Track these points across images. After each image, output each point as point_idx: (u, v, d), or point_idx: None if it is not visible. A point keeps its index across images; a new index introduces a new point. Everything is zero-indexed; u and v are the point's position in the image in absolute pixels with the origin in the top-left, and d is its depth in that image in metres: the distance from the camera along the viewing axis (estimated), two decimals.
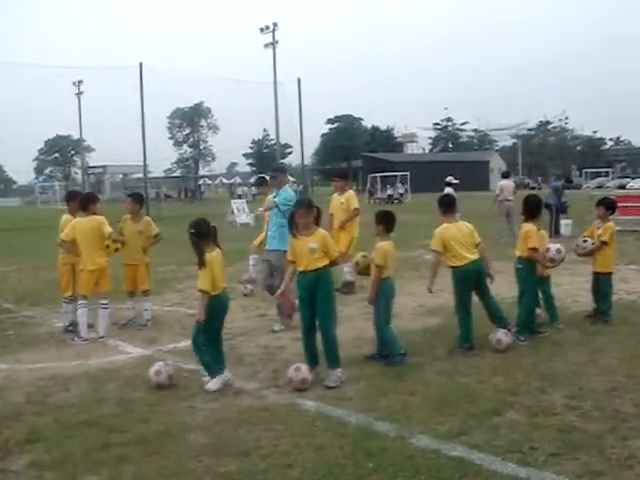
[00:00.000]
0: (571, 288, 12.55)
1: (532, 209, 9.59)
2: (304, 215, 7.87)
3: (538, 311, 9.74)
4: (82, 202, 10.65)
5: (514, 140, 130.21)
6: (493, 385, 7.41)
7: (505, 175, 25.51)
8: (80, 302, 10.31)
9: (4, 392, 7.87)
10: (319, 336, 7.93)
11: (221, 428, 6.45)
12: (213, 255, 7.64)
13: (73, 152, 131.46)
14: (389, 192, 63.30)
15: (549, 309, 9.98)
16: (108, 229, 10.45)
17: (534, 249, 9.23)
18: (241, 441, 6.10)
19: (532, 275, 9.41)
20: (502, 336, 8.78)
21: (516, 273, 9.57)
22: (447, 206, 9.21)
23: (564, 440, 5.87)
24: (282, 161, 77.50)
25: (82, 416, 6.90)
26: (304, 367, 7.71)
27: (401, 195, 63.54)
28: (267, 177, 13.84)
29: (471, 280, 8.95)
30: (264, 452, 5.83)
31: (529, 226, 9.40)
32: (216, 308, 7.67)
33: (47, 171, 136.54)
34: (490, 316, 9.18)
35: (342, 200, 13.97)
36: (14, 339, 10.64)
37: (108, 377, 8.27)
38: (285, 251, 8.55)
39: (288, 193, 11.05)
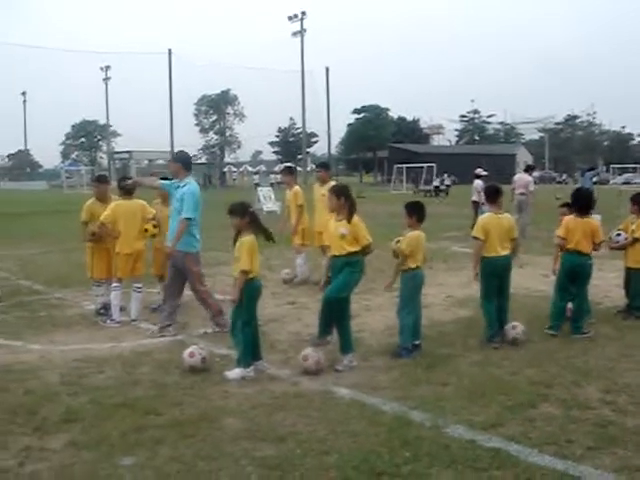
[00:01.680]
0: (602, 283, 12.45)
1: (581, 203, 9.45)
2: (333, 199, 7.93)
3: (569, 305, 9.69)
4: (127, 186, 10.70)
5: (541, 134, 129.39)
6: (527, 377, 7.39)
7: (526, 169, 24.84)
8: (114, 285, 10.38)
9: (38, 372, 7.94)
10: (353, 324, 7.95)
11: (256, 413, 6.47)
12: (251, 239, 7.70)
13: (99, 137, 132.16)
14: (435, 183, 60.66)
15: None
16: (152, 211, 10.67)
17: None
18: (277, 426, 6.13)
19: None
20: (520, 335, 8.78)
21: (588, 269, 9.35)
22: (491, 196, 9.20)
23: (600, 434, 5.85)
24: (308, 150, 77.66)
25: (117, 398, 6.95)
26: (310, 352, 7.78)
27: (448, 187, 60.21)
28: (293, 167, 14.11)
29: (497, 273, 8.92)
30: (300, 438, 5.85)
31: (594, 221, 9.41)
32: (255, 290, 7.76)
33: (73, 155, 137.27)
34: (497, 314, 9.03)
35: (323, 192, 12.60)
36: (46, 320, 10.72)
37: (141, 360, 8.32)
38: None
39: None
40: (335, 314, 8.06)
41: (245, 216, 7.78)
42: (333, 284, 8.01)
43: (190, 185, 9.72)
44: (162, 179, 11.46)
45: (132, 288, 10.42)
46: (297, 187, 13.96)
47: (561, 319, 9.28)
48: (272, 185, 62.07)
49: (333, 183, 13.12)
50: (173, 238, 9.51)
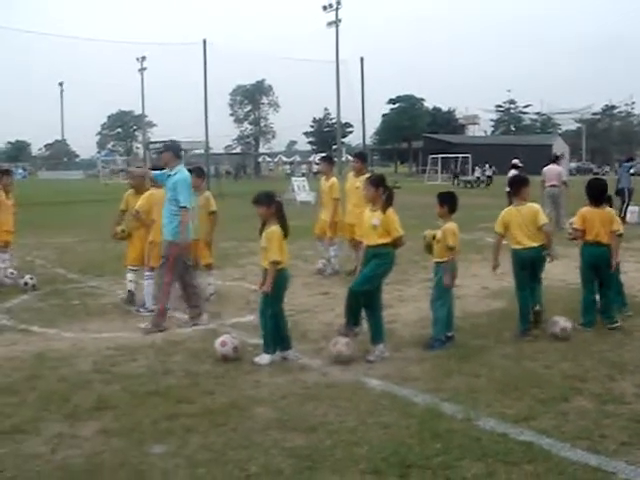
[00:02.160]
0: (638, 276, 12.29)
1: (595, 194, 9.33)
2: (370, 189, 7.92)
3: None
4: None
5: (578, 124, 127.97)
6: (560, 371, 7.30)
7: (554, 159, 24.20)
8: (147, 274, 10.44)
9: (71, 360, 8.01)
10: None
11: (287, 403, 6.47)
12: (279, 229, 7.71)
13: (135, 127, 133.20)
14: (477, 174, 59.68)
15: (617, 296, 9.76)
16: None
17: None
18: (307, 417, 6.12)
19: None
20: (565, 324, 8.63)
21: (609, 259, 9.14)
22: (514, 186, 9.19)
23: (635, 429, 5.75)
24: (343, 140, 77.53)
25: (150, 386, 6.98)
26: (340, 339, 7.89)
27: (489, 178, 58.42)
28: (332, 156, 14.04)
29: (525, 265, 8.83)
30: (330, 428, 5.83)
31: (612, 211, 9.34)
32: (284, 281, 7.82)
33: (109, 145, 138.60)
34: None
35: (358, 184, 12.46)
36: (80, 309, 10.82)
37: (174, 349, 8.36)
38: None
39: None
40: (362, 305, 8.08)
41: (271, 206, 7.79)
42: (359, 276, 8.04)
43: (181, 173, 9.68)
44: (153, 169, 11.50)
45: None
46: (334, 179, 13.86)
47: (592, 313, 9.13)
48: (304, 175, 61.89)
49: (367, 175, 13.12)
50: (172, 229, 9.48)
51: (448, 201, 8.46)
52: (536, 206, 9.00)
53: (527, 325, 8.69)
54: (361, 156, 14.20)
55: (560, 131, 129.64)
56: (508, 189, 24.94)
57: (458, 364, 7.53)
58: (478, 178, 57.64)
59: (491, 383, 6.92)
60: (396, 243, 7.99)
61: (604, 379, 7.02)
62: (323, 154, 19.97)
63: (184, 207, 9.45)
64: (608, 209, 9.30)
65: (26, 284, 12.22)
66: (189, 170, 11.66)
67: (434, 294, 8.49)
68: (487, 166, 61.73)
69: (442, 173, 68.37)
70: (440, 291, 8.40)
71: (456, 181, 60.26)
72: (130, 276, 11.13)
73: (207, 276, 11.39)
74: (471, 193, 40.93)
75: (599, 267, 9.13)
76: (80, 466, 5.26)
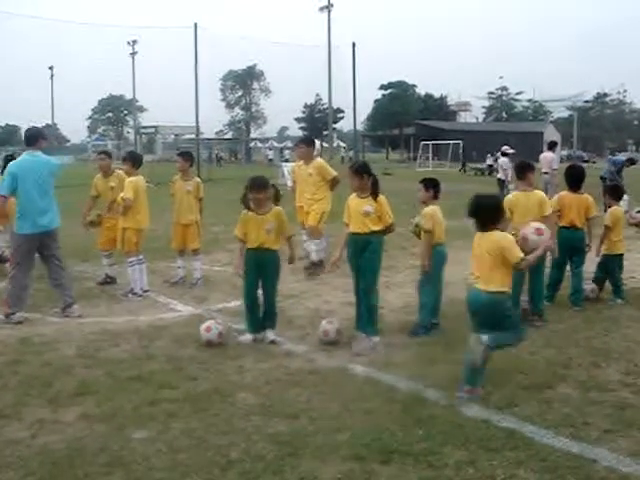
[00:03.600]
0: (628, 264, 12.26)
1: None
2: (354, 177, 7.86)
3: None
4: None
5: (570, 112, 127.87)
6: (545, 358, 7.29)
7: (549, 146, 24.26)
8: (130, 260, 10.40)
9: (55, 345, 7.96)
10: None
11: (270, 389, 6.45)
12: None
13: (126, 112, 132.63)
14: (489, 162, 53.29)
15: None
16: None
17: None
18: (290, 403, 6.10)
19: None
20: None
21: (582, 243, 9.62)
22: (520, 171, 9.22)
23: (619, 416, 5.75)
24: (334, 126, 77.37)
25: (132, 371, 6.95)
26: (335, 320, 8.13)
27: (490, 167, 52.75)
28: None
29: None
30: (313, 414, 5.81)
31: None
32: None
33: (100, 130, 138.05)
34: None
35: (310, 171, 12.35)
36: None
37: (158, 334, 8.32)
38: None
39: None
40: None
41: (269, 188, 8.02)
42: (365, 280, 7.89)
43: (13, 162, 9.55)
44: (180, 154, 11.50)
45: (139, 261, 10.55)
46: (320, 159, 13.72)
47: (555, 291, 9.64)
48: (287, 161, 61.51)
49: (320, 160, 12.70)
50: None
51: (432, 186, 8.48)
52: (542, 194, 9.08)
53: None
54: (306, 141, 13.33)
55: (552, 119, 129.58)
56: (499, 176, 25.06)
57: (443, 351, 7.51)
58: (490, 166, 52.08)
59: None
60: (388, 230, 7.97)
61: (589, 366, 7.03)
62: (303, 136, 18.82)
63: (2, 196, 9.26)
64: (585, 195, 9.57)
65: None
66: (178, 154, 11.75)
67: (422, 279, 8.47)
68: (499, 154, 58.91)
69: (433, 160, 68.23)
70: (427, 277, 8.38)
71: (464, 169, 57.96)
72: (105, 260, 11.36)
73: (193, 261, 11.35)
74: (482, 181, 40.68)
75: (572, 250, 9.44)
76: (61, 451, 5.23)
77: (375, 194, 7.83)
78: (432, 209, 8.34)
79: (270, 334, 8.01)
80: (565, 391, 6.35)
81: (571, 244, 9.39)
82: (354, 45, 63.71)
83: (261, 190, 7.90)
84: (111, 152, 12.91)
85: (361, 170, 7.94)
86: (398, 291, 10.44)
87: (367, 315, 7.87)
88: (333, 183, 12.40)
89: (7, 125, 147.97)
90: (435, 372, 6.85)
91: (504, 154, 24.16)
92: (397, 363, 7.17)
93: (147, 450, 5.22)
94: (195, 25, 49.34)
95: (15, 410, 6.02)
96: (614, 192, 10.40)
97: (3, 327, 8.73)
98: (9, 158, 12.72)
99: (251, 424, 5.65)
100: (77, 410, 6.02)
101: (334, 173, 12.43)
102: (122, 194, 10.40)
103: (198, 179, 11.81)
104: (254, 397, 6.25)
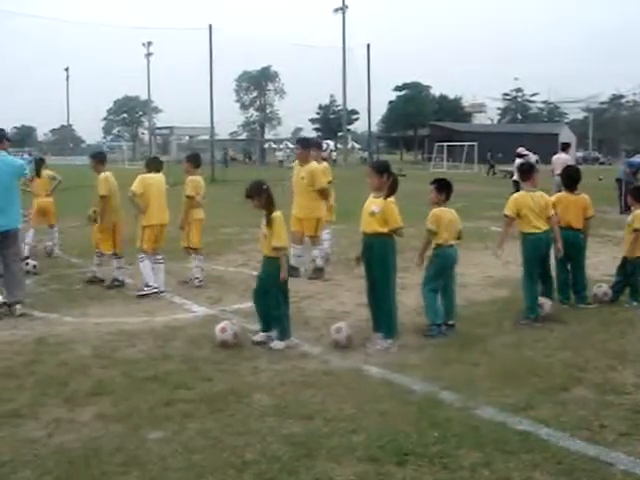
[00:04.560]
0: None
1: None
2: (374, 176, 7.82)
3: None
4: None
5: (585, 113, 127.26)
6: (561, 360, 7.27)
7: (563, 147, 23.96)
8: (141, 256, 10.64)
9: (71, 345, 8.00)
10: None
11: (285, 390, 6.46)
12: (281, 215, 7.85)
13: (141, 113, 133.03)
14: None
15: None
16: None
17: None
18: (305, 404, 6.10)
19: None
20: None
21: (581, 243, 9.76)
22: (524, 173, 9.33)
23: (635, 420, 5.73)
24: (349, 127, 77.41)
25: (148, 372, 6.98)
26: (344, 325, 7.90)
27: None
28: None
29: (541, 250, 8.94)
30: (328, 416, 5.81)
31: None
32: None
33: (115, 131, 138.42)
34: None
35: (303, 174, 11.94)
36: (81, 294, 10.82)
37: (173, 335, 8.35)
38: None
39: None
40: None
41: (262, 194, 7.87)
42: (378, 284, 7.86)
43: None
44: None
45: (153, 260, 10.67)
46: (325, 163, 13.68)
47: (567, 290, 9.68)
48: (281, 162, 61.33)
49: (315, 163, 12.11)
50: None
51: (446, 189, 8.48)
52: (546, 196, 9.08)
53: (535, 316, 8.71)
54: (302, 142, 12.95)
55: (567, 120, 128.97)
56: (515, 178, 24.94)
57: (458, 352, 7.50)
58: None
59: (490, 372, 6.89)
60: (395, 233, 7.81)
61: (605, 369, 7.00)
62: (302, 138, 17.86)
63: None
64: (582, 195, 9.77)
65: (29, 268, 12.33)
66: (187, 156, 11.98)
67: (423, 280, 8.49)
68: (531, 154, 56.90)
69: (448, 161, 68.08)
70: (428, 277, 8.44)
71: (492, 171, 54.55)
72: (96, 260, 11.69)
73: (193, 260, 11.50)
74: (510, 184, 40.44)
75: (572, 250, 9.48)
76: (77, 451, 5.25)
77: (388, 195, 7.78)
78: (440, 210, 8.36)
79: (273, 342, 7.90)
80: (581, 394, 6.32)
81: (570, 244, 9.37)
82: (369, 46, 63.78)
83: (248, 197, 7.91)
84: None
85: (381, 169, 7.88)
86: (413, 292, 10.40)
87: (381, 317, 7.86)
88: (322, 193, 11.99)
89: (23, 126, 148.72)
90: (450, 374, 6.84)
91: (519, 155, 24.02)
92: (412, 364, 7.16)
93: (163, 450, 5.24)
94: (210, 27, 49.40)
95: (32, 409, 6.05)
96: (638, 194, 10.32)
97: (20, 327, 8.78)
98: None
99: (266, 425, 5.66)
100: (93, 410, 6.05)
101: (323, 184, 11.95)
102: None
103: (193, 177, 11.67)
104: (269, 398, 6.26)
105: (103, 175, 11.29)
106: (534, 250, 8.89)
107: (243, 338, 7.97)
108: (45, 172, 14.90)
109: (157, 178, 11.13)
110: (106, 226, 11.34)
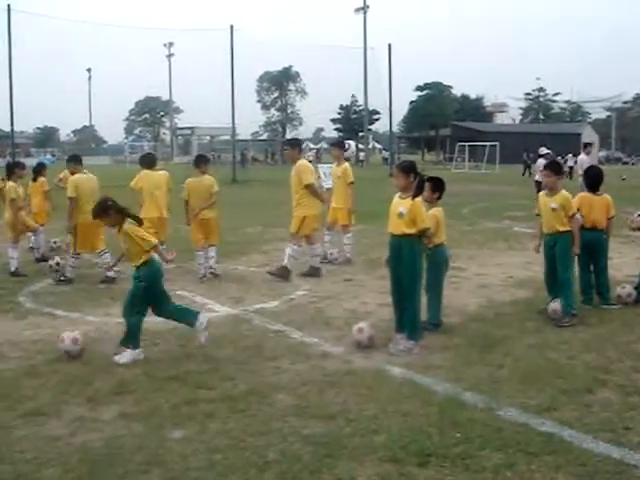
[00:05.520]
0: None
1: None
2: (400, 176, 7.78)
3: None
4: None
5: (608, 113, 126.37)
6: (584, 362, 7.20)
7: (583, 147, 23.62)
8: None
9: (95, 344, 8.03)
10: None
11: (307, 390, 6.45)
12: None
13: (162, 113, 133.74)
14: (570, 163, 43.07)
15: None
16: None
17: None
18: (327, 404, 6.09)
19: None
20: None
21: (604, 243, 9.71)
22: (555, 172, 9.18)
23: None
24: (369, 127, 77.33)
25: (170, 371, 6.99)
26: (366, 326, 7.85)
27: (570, 169, 41.17)
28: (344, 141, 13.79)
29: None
30: (350, 416, 5.80)
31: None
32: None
33: (136, 131, 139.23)
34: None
35: (292, 172, 12.15)
36: (104, 293, 10.87)
37: (195, 334, 8.34)
38: None
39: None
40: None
41: (109, 212, 8.05)
42: (405, 280, 7.77)
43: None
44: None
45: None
46: (347, 164, 13.69)
47: (590, 292, 9.60)
48: (310, 162, 61.24)
49: (302, 161, 12.21)
50: None
51: (439, 188, 8.53)
52: (567, 195, 9.05)
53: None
54: (290, 142, 13.50)
55: (590, 120, 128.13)
56: (537, 178, 24.84)
57: (480, 353, 7.46)
58: (571, 167, 41.05)
59: (513, 373, 6.84)
60: (422, 234, 7.76)
61: (629, 371, 6.93)
62: (338, 138, 18.63)
63: None
64: (605, 195, 9.70)
65: (51, 266, 12.55)
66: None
67: (427, 283, 8.46)
68: (570, 155, 48.11)
69: (469, 161, 67.85)
70: (431, 279, 8.46)
71: (528, 171, 48.24)
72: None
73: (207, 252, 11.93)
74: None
75: (593, 251, 9.50)
76: (99, 449, 5.28)
77: (415, 196, 7.73)
78: (437, 210, 8.39)
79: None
80: (605, 395, 6.26)
81: (593, 245, 9.41)
82: (390, 46, 63.51)
83: (95, 219, 8.31)
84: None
85: (408, 169, 7.83)
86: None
87: (405, 318, 7.82)
88: (308, 189, 11.91)
89: (45, 127, 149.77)
90: (473, 375, 6.80)
91: (541, 155, 23.88)
92: (435, 365, 7.13)
93: (184, 450, 5.25)
94: (231, 27, 49.42)
95: (55, 408, 6.09)
96: None
97: (43, 326, 8.84)
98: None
99: (288, 425, 5.65)
100: (115, 409, 6.07)
101: (308, 180, 11.89)
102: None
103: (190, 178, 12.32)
104: (291, 398, 6.25)
105: (73, 178, 11.96)
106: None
107: (265, 338, 7.98)
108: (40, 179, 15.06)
109: (151, 174, 12.14)
110: (71, 226, 11.80)
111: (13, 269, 12.27)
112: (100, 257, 11.92)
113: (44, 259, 13.21)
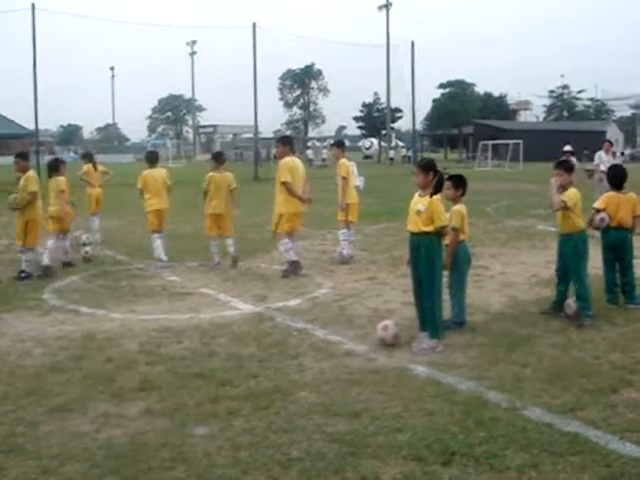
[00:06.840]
0: None
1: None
2: (419, 173, 7.78)
3: None
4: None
5: (633, 110, 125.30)
6: (610, 361, 7.15)
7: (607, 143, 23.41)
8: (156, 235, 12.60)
9: (118, 341, 8.09)
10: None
11: (330, 388, 6.45)
12: None
13: (185, 111, 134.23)
14: (614, 162, 43.71)
15: None
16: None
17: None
18: (351, 402, 6.09)
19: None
20: None
21: (629, 242, 9.67)
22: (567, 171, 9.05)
23: None
24: (393, 126, 77.11)
25: (194, 368, 7.02)
26: (391, 323, 7.88)
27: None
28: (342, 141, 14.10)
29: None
30: (374, 414, 5.79)
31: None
32: None
33: (159, 129, 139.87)
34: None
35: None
36: (128, 290, 10.93)
37: (219, 332, 8.38)
38: None
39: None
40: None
41: None
42: (424, 278, 7.74)
43: None
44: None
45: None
46: (344, 160, 13.72)
47: (615, 291, 9.55)
48: (324, 160, 61.35)
49: (286, 159, 12.30)
50: None
51: (462, 185, 8.56)
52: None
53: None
54: (281, 140, 13.48)
55: (614, 117, 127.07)
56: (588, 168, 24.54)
57: (505, 352, 7.42)
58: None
59: (538, 372, 6.81)
60: (440, 232, 7.73)
61: None
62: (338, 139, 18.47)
63: None
64: (631, 194, 9.68)
65: (86, 252, 13.62)
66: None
67: (450, 281, 8.52)
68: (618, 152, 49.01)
69: (492, 159, 67.51)
70: (455, 276, 8.48)
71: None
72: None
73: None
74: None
75: (619, 250, 9.53)
76: (124, 445, 5.31)
77: (434, 193, 7.71)
78: (462, 207, 8.40)
79: None
80: (631, 396, 6.21)
81: (619, 244, 9.46)
82: (413, 44, 63.42)
83: None
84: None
85: (427, 167, 7.82)
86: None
87: (427, 317, 7.81)
88: (284, 186, 11.99)
89: (69, 125, 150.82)
90: (497, 374, 6.77)
91: (565, 153, 23.72)
92: (458, 364, 7.10)
93: (208, 446, 5.27)
94: (254, 25, 49.53)
95: (80, 404, 6.13)
96: None
97: (68, 323, 8.90)
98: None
99: (312, 423, 5.66)
100: (140, 405, 6.10)
101: (285, 178, 11.96)
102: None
103: (227, 173, 13.18)
104: (314, 396, 6.26)
105: (31, 173, 12.23)
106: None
107: (288, 336, 7.99)
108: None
109: (154, 171, 13.39)
110: (22, 220, 11.96)
111: (46, 262, 12.24)
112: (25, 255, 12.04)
113: (70, 264, 13.20)
